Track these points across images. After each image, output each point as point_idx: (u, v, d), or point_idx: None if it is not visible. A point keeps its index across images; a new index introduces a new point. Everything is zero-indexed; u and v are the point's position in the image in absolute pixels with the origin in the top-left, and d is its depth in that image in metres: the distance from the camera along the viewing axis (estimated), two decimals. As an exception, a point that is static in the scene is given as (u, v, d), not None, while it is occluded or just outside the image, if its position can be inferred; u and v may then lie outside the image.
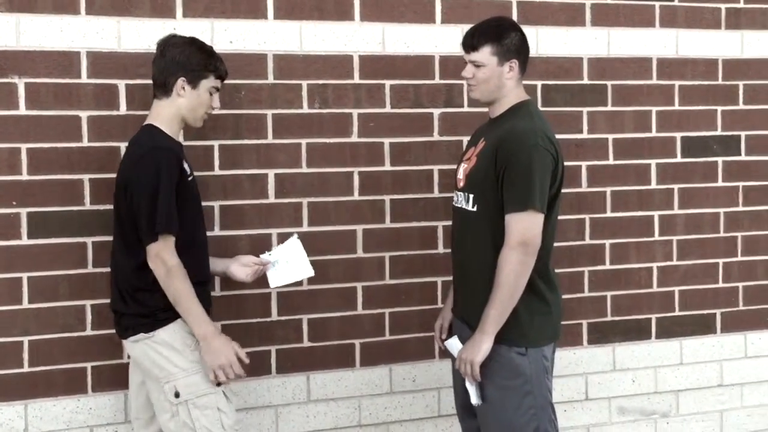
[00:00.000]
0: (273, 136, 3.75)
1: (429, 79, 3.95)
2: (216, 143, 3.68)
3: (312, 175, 3.80)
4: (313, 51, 3.79)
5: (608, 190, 4.26)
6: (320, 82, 3.80)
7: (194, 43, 3.18)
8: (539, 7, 4.10)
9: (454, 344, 3.22)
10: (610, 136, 4.25)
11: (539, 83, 4.09)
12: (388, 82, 3.89)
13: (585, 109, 4.19)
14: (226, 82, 3.57)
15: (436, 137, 3.97)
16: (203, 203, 3.42)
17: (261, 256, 3.42)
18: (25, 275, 3.48)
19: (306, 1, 3.77)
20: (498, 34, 3.20)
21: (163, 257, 2.98)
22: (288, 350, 3.82)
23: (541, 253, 3.12)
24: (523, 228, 3.05)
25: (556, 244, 3.32)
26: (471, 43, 3.23)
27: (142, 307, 3.07)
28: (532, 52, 3.56)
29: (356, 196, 3.87)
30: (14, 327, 3.47)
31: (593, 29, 4.19)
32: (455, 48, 3.85)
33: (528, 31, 3.43)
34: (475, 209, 3.20)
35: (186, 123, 3.21)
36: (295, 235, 3.44)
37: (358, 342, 3.92)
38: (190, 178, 3.15)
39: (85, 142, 3.51)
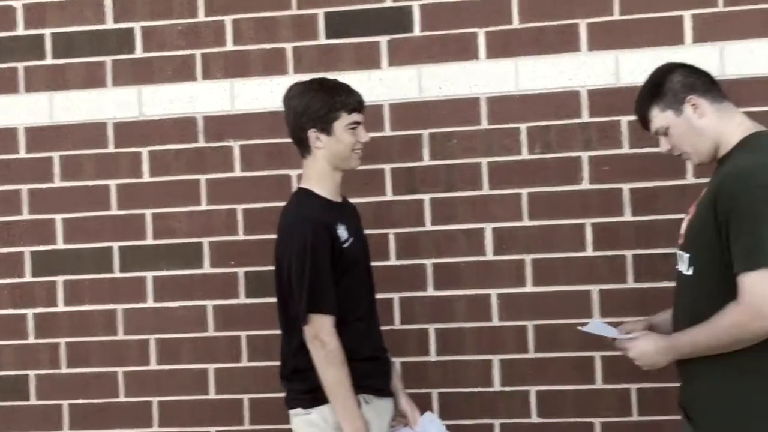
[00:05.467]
0: (489, 187, 3.46)
1: (677, 110, 3.32)
2: (427, 197, 3.48)
3: (535, 228, 3.44)
4: (531, 90, 3.43)
5: None
6: (541, 123, 3.43)
7: (312, 86, 2.88)
8: None
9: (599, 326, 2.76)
10: None
11: None
12: (624, 119, 3.38)
13: None
14: (437, 130, 3.38)
15: (690, 180, 3.35)
16: (414, 261, 3.30)
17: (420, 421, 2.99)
18: (243, 333, 3.55)
19: (522, 35, 3.41)
20: (653, 90, 2.67)
21: (322, 339, 2.77)
22: (513, 425, 3.45)
23: None
24: (755, 292, 2.38)
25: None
26: (641, 117, 2.73)
27: (303, 383, 2.87)
28: None
29: (590, 252, 3.39)
30: (234, 384, 3.56)
31: None
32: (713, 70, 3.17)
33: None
34: (690, 273, 2.59)
35: (341, 170, 2.92)
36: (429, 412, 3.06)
37: (597, 421, 3.41)
38: (346, 245, 2.87)
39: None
